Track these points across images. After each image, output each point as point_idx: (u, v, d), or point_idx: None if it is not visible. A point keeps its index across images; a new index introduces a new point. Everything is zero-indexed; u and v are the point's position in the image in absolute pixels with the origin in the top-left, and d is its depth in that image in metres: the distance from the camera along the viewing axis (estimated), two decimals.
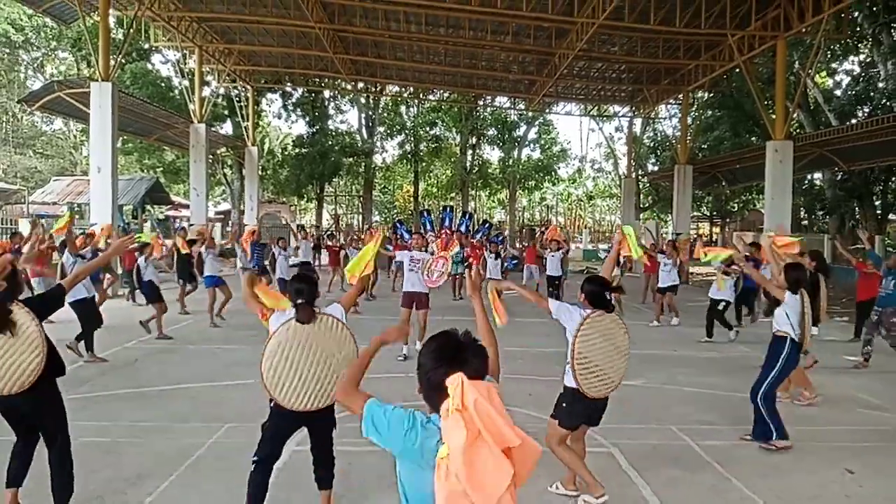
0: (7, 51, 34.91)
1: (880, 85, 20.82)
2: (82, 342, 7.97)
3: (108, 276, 13.54)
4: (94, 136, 14.82)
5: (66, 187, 24.77)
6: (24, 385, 3.52)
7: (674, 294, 11.97)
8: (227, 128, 30.27)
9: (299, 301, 3.49)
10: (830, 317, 11.95)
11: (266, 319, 3.74)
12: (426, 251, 8.86)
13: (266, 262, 12.98)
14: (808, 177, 25.78)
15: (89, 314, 7.97)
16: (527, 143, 36.42)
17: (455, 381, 1.61)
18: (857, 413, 6.44)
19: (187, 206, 25.30)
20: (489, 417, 1.53)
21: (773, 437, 5.25)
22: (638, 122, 29.48)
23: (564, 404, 4.04)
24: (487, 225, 21.02)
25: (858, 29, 20.85)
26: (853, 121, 20.51)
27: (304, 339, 3.42)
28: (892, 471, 4.91)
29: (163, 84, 27.98)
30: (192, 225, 21.19)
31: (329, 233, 27.18)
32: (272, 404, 3.57)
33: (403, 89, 28.35)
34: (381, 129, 34.83)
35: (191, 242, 12.25)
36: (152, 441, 5.20)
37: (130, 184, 23.96)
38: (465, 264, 18.32)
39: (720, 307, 10.34)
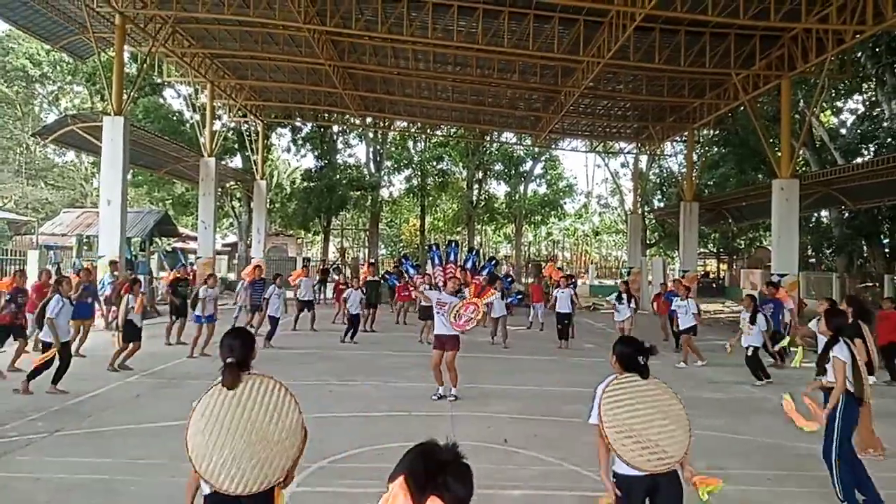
0: (24, 84, 35.70)
1: (885, 124, 20.93)
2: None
3: (114, 308, 13.53)
4: (106, 169, 15.01)
5: (75, 219, 24.99)
6: None
7: (693, 335, 11.83)
8: (236, 161, 30.67)
9: (228, 360, 2.91)
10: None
11: None
12: (458, 295, 8.60)
13: (265, 298, 13.00)
14: (816, 215, 25.76)
15: (66, 356, 7.97)
16: (533, 178, 36.66)
17: (393, 490, 1.49)
18: (882, 462, 6.17)
19: (195, 239, 25.44)
20: None
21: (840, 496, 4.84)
22: (644, 158, 29.66)
23: (617, 484, 3.45)
24: (493, 262, 20.97)
25: (862, 69, 21.07)
26: (859, 160, 20.58)
27: (233, 405, 2.83)
28: None
29: (174, 118, 28.49)
30: (199, 258, 21.28)
31: (335, 266, 27.25)
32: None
33: (411, 124, 28.72)
34: (389, 163, 35.19)
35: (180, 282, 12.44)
36: (151, 479, 5.11)
37: (139, 216, 24.14)
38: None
39: (749, 353, 10.17)
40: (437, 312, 8.27)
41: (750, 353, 10.23)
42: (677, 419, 3.43)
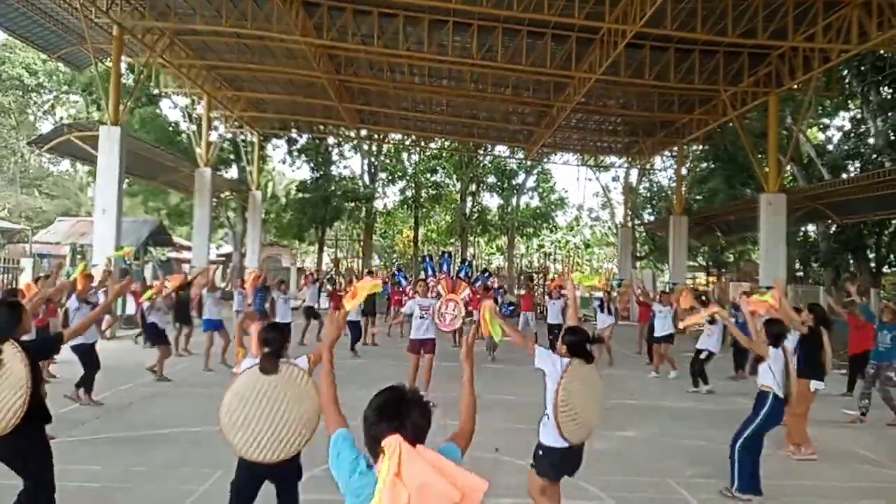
0: (20, 93, 35.73)
1: (870, 140, 21.29)
2: (81, 388, 7.94)
3: (107, 317, 13.57)
4: (101, 178, 15.08)
5: (69, 228, 24.99)
6: (5, 427, 3.46)
7: (670, 344, 11.95)
8: (232, 172, 30.73)
9: (265, 350, 3.49)
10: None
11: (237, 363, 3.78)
12: (433, 297, 8.86)
13: (267, 305, 13.06)
14: (803, 229, 26.05)
15: (90, 360, 7.97)
16: (525, 190, 36.90)
17: (392, 446, 1.64)
18: (854, 468, 6.41)
19: (189, 249, 25.47)
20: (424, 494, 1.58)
21: (734, 487, 5.22)
22: (634, 172, 29.99)
23: (545, 458, 4.11)
24: (486, 274, 21.12)
25: (848, 87, 21.45)
26: (845, 175, 20.90)
27: (263, 389, 3.34)
28: None
29: (170, 128, 28.58)
30: (193, 267, 21.30)
31: (329, 276, 27.27)
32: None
33: (406, 137, 28.93)
34: (383, 175, 35.36)
35: (186, 286, 12.38)
36: (143, 487, 5.17)
37: (134, 226, 24.17)
38: (467, 312, 18.35)
39: (702, 356, 10.34)
40: (420, 317, 8.43)
41: (703, 356, 10.29)
42: (600, 397, 4.14)
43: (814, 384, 6.66)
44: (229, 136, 26.67)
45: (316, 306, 15.67)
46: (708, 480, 5.82)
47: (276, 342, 3.53)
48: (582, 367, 3.99)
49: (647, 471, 6.00)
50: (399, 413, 1.79)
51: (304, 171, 36.14)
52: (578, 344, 4.08)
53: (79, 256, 21.66)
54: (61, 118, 35.14)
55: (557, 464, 4.10)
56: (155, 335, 9.76)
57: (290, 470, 3.60)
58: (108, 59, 17.89)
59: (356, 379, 10.30)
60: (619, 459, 6.33)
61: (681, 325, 6.83)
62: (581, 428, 3.98)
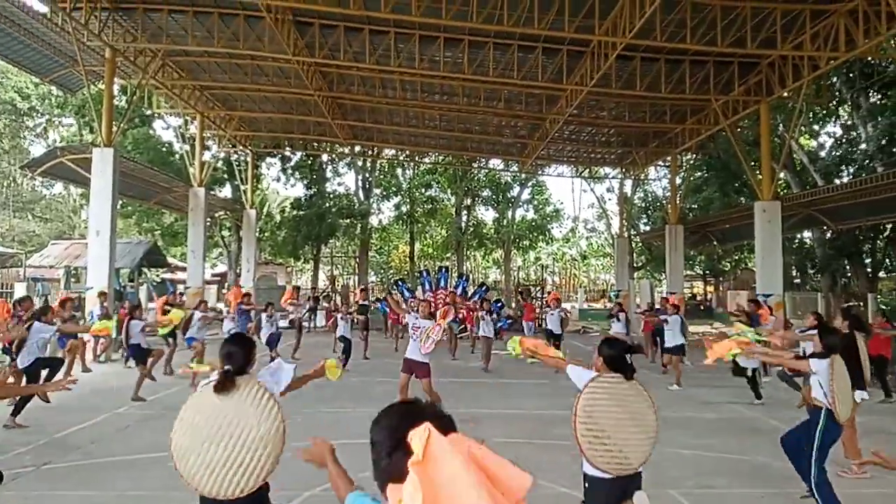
0: (12, 118, 35.75)
1: (862, 146, 21.43)
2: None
3: (101, 340, 13.49)
4: (95, 200, 15.03)
5: (63, 251, 24.86)
6: None
7: (682, 355, 11.90)
8: (226, 191, 30.75)
9: (226, 367, 3.03)
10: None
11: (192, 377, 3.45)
12: (431, 318, 8.69)
13: (250, 325, 13.09)
14: (798, 236, 26.15)
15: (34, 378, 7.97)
16: (520, 203, 37.00)
17: (421, 432, 1.25)
18: (875, 479, 6.22)
19: (184, 269, 25.37)
20: (457, 475, 1.19)
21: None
22: (628, 183, 30.09)
23: (589, 487, 3.55)
24: (484, 288, 21.09)
25: (838, 93, 21.64)
26: (838, 181, 21.00)
27: (216, 408, 2.90)
28: None
29: (164, 149, 28.61)
30: (188, 288, 21.21)
31: (325, 294, 27.19)
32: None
33: (399, 152, 29.01)
34: (378, 190, 35.42)
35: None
36: None
37: (128, 247, 24.07)
38: (461, 326, 18.33)
39: (749, 374, 10.20)
40: (412, 338, 8.36)
41: (750, 373, 10.12)
42: (647, 428, 3.46)
43: (858, 395, 6.37)
44: (223, 155, 26.71)
45: (306, 324, 15.66)
46: (709, 490, 5.76)
47: (237, 358, 3.07)
48: (618, 382, 3.47)
49: (649, 482, 5.88)
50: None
51: (298, 189, 36.22)
52: (617, 357, 3.54)
53: (73, 279, 21.57)
54: (54, 141, 35.16)
55: (606, 498, 3.48)
56: (139, 355, 9.75)
57: None
58: (101, 81, 17.91)
59: (353, 397, 10.24)
60: None
61: (708, 363, 5.76)
62: (611, 455, 3.36)
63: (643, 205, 34.53)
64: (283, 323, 16.58)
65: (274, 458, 2.87)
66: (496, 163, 30.35)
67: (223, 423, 2.86)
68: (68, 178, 20.55)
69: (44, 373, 8.22)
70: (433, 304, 9.66)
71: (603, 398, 3.42)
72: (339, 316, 13.77)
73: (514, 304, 25.35)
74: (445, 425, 1.36)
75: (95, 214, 15.04)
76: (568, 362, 3.76)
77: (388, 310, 18.39)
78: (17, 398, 7.63)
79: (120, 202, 21.01)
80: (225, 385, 2.93)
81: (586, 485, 3.54)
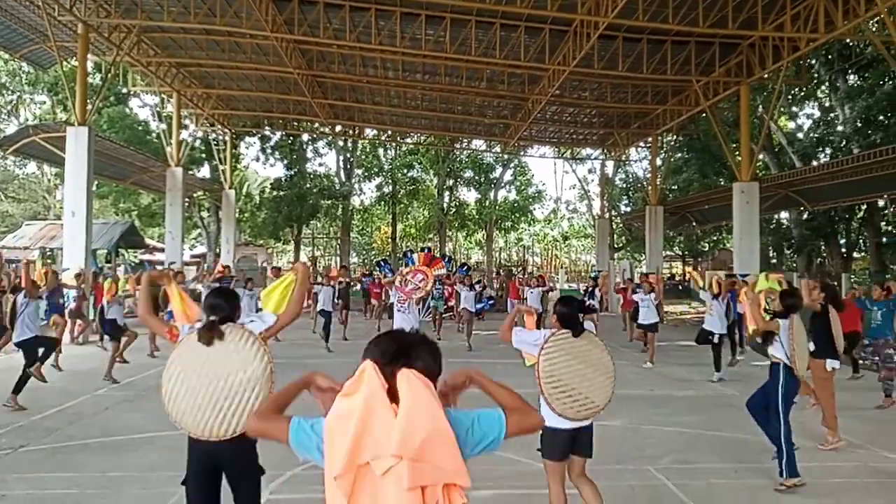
0: None
1: (839, 128, 21.71)
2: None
3: (79, 322, 13.31)
4: (69, 180, 14.73)
5: (38, 231, 24.41)
6: None
7: (655, 332, 12.05)
8: (204, 171, 30.28)
9: (211, 318, 3.03)
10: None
11: (173, 339, 3.26)
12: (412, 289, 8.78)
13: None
14: (776, 216, 26.52)
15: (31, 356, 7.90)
16: (503, 184, 36.98)
17: (363, 367, 1.47)
18: (843, 453, 6.41)
19: (162, 250, 25.06)
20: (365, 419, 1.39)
21: (784, 477, 5.12)
22: (610, 164, 30.22)
23: (542, 435, 3.84)
24: (466, 268, 21.15)
25: (817, 75, 21.84)
26: (815, 163, 21.30)
27: (201, 355, 2.95)
28: None
29: (140, 128, 28.02)
30: (173, 263, 20.98)
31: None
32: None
33: (381, 132, 28.78)
34: (359, 171, 35.16)
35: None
36: (123, 492, 5.07)
37: (104, 228, 23.69)
38: (445, 305, 18.39)
39: (716, 341, 10.38)
40: (399, 310, 8.38)
41: (717, 340, 10.39)
42: (606, 370, 3.77)
43: (829, 363, 6.54)
44: (200, 134, 26.27)
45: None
46: (685, 466, 5.88)
47: (222, 308, 3.07)
48: (570, 339, 3.75)
49: (627, 458, 6.03)
50: (403, 352, 1.57)
51: (278, 169, 35.82)
52: (569, 315, 3.83)
53: (49, 260, 21.21)
54: (26, 119, 34.23)
55: (555, 441, 3.82)
56: (113, 330, 9.68)
57: (244, 458, 3.06)
58: (74, 57, 17.48)
59: (336, 378, 10.26)
60: (600, 448, 6.33)
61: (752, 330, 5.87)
62: (579, 403, 3.67)
63: (624, 186, 34.72)
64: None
65: (262, 399, 2.88)
66: (478, 143, 30.25)
67: (210, 368, 2.91)
68: (42, 158, 20.11)
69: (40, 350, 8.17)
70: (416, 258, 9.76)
71: (559, 355, 3.70)
72: (322, 286, 13.58)
73: (495, 286, 25.43)
74: (427, 365, 1.56)
75: (70, 195, 14.75)
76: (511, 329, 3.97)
77: (370, 287, 18.38)
78: (19, 376, 7.68)
79: (96, 182, 20.62)
80: (210, 335, 2.95)
81: (540, 432, 3.73)
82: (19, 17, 15.82)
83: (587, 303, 13.02)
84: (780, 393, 5.27)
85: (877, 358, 8.77)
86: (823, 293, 6.86)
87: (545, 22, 14.62)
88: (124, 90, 24.95)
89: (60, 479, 5.30)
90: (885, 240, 23.42)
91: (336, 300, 14.40)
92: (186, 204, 24.47)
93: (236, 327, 3.04)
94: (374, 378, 1.47)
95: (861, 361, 10.20)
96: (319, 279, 16.78)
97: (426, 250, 22.31)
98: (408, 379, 1.47)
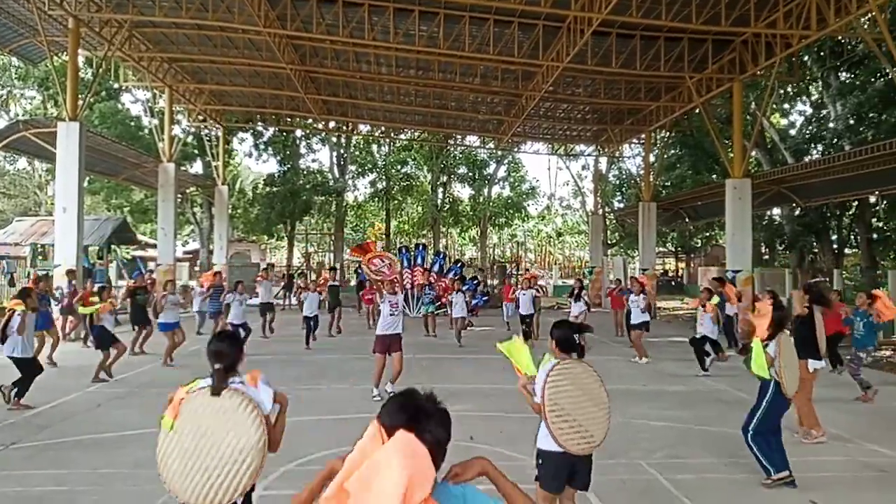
0: None
1: (831, 125, 21.80)
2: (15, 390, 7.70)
3: (70, 318, 13.26)
4: (60, 176, 14.63)
5: (29, 227, 24.24)
6: None
7: (645, 331, 12.09)
8: (197, 167, 30.15)
9: (217, 366, 2.90)
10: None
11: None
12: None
13: (225, 304, 12.98)
14: (768, 213, 26.64)
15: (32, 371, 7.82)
16: (496, 181, 36.99)
17: (371, 430, 1.50)
18: (825, 445, 6.51)
19: (155, 246, 24.95)
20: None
21: (771, 474, 5.18)
22: (603, 160, 30.26)
23: (542, 464, 3.76)
24: (459, 265, 21.19)
25: (809, 72, 21.92)
26: (807, 159, 21.39)
27: (196, 416, 2.79)
28: (853, 502, 5.03)
29: (132, 123, 27.85)
30: (159, 265, 20.91)
31: (300, 271, 27.02)
32: None
33: (374, 128, 28.69)
34: (353, 167, 35.06)
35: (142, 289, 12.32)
36: (113, 489, 5.06)
37: (96, 224, 23.56)
38: (437, 304, 18.40)
39: (704, 345, 10.60)
40: (391, 314, 8.37)
41: (706, 345, 10.65)
42: (601, 404, 3.71)
43: (812, 364, 6.59)
44: (193, 130, 26.14)
45: (274, 302, 15.60)
46: (677, 461, 5.92)
47: (227, 356, 2.95)
48: (572, 366, 3.70)
49: (619, 453, 6.06)
50: (414, 419, 1.57)
51: (271, 165, 35.67)
52: (568, 338, 3.81)
53: (40, 257, 21.10)
54: (16, 114, 33.95)
55: (555, 471, 3.71)
56: (103, 339, 9.49)
57: None
58: (64, 52, 17.31)
59: (328, 374, 10.26)
60: None
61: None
62: (580, 436, 3.56)
63: (617, 182, 34.80)
64: (254, 301, 16.46)
65: (254, 470, 2.73)
66: (472, 139, 30.22)
67: (206, 430, 2.76)
68: (32, 153, 19.94)
69: None
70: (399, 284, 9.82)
71: (563, 383, 3.62)
72: (309, 293, 13.68)
73: (488, 281, 25.48)
74: (437, 438, 1.57)
75: (62, 190, 14.65)
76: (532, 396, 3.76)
77: (363, 293, 18.34)
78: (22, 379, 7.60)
79: (87, 178, 20.49)
80: (220, 386, 2.82)
81: (539, 460, 3.74)
82: (9, 11, 15.66)
83: (576, 316, 13.06)
84: (764, 406, 5.25)
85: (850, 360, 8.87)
86: (808, 295, 6.95)
87: (539, 18, 14.59)
88: (116, 85, 24.76)
89: (51, 476, 5.29)
90: (875, 236, 23.59)
91: (325, 304, 14.45)
92: (179, 200, 24.37)
93: (237, 392, 2.86)
94: (375, 440, 1.50)
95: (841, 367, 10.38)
96: (301, 284, 16.77)
97: (421, 247, 22.38)
98: (399, 440, 1.46)
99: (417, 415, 1.58)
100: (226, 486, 2.70)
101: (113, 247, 26.11)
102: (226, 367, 2.91)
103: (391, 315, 8.35)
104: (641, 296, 12.02)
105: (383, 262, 8.87)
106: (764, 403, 5.25)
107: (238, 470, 2.71)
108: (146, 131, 26.66)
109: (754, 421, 5.27)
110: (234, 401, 2.80)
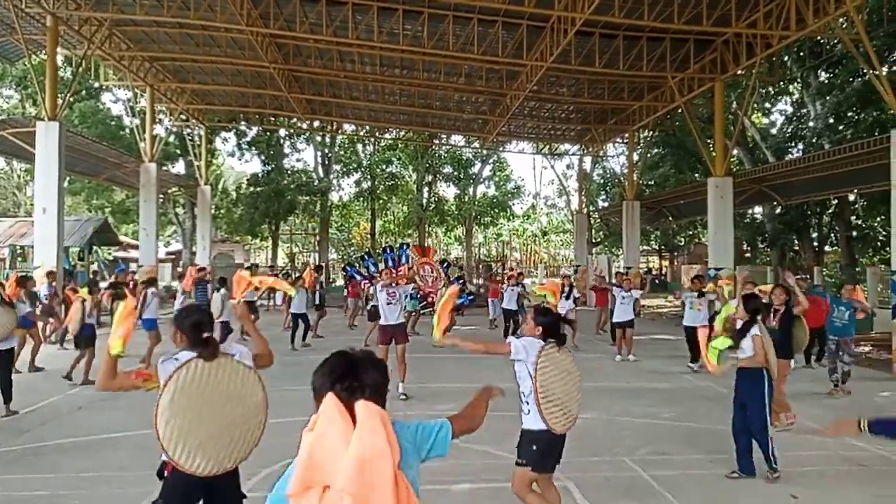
0: None
1: (811, 124, 22.11)
2: None
3: (50, 320, 13.06)
4: (40, 176, 14.43)
5: (8, 229, 23.87)
6: None
7: (631, 329, 12.15)
8: (179, 167, 29.85)
9: (204, 335, 2.96)
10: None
11: (148, 380, 3.03)
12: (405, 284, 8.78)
13: (208, 300, 12.86)
14: (750, 211, 26.97)
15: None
16: (482, 180, 37.02)
17: (329, 410, 1.56)
18: (803, 439, 6.62)
19: (136, 247, 24.68)
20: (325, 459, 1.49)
21: (773, 471, 5.27)
22: (588, 159, 30.43)
23: (534, 447, 3.88)
24: (445, 264, 21.18)
25: (789, 72, 22.21)
26: (788, 158, 21.67)
27: (206, 383, 2.87)
28: (833, 495, 5.11)
29: (113, 123, 27.52)
30: (141, 266, 20.68)
31: (285, 272, 26.85)
32: (165, 473, 3.06)
33: (359, 128, 28.63)
34: (338, 167, 34.90)
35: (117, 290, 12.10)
36: (97, 492, 5.00)
37: (77, 225, 23.25)
38: (423, 303, 18.37)
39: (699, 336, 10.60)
40: (389, 303, 8.35)
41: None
42: (576, 380, 3.97)
43: (792, 362, 6.84)
44: (175, 129, 25.89)
45: (266, 302, 15.51)
46: (661, 457, 5.97)
47: (207, 324, 3.04)
48: (556, 351, 3.85)
49: (603, 450, 6.11)
50: (349, 372, 1.68)
51: (254, 165, 35.44)
52: (554, 325, 3.92)
53: (19, 258, 20.78)
54: None
55: (550, 449, 3.91)
56: (85, 336, 9.36)
57: (236, 484, 3.14)
58: (43, 51, 17.07)
59: (301, 372, 10.20)
60: (576, 440, 6.38)
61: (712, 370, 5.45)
62: (566, 417, 3.82)
63: (601, 181, 35.01)
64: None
65: (264, 424, 3.01)
66: (457, 139, 30.22)
67: (215, 397, 2.89)
68: (10, 153, 19.66)
69: None
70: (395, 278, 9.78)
71: (552, 370, 3.81)
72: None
73: (475, 280, 25.52)
74: (374, 383, 1.67)
75: (41, 191, 14.45)
76: (502, 344, 4.05)
77: (351, 283, 18.25)
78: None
79: (67, 178, 20.22)
80: (214, 351, 2.94)
81: (532, 445, 3.88)
82: None
83: (564, 311, 13.07)
84: (766, 396, 5.33)
85: (843, 355, 8.97)
86: (785, 295, 7.20)
87: (522, 18, 14.64)
88: (96, 84, 24.46)
89: (32, 481, 5.22)
90: (855, 234, 23.96)
91: (315, 302, 14.35)
92: (161, 200, 24.12)
93: (227, 356, 3.00)
94: (331, 408, 1.57)
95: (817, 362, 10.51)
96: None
97: (405, 246, 22.31)
98: (363, 412, 1.54)
99: (351, 367, 1.70)
100: (246, 443, 2.96)
101: (94, 247, 25.78)
102: (212, 335, 3.03)
103: (388, 304, 8.35)
104: (632, 292, 12.04)
105: (432, 272, 8.84)
106: (765, 398, 5.32)
107: (251, 427, 2.97)
108: (127, 131, 26.33)
109: (768, 418, 5.32)
110: (230, 364, 2.96)
